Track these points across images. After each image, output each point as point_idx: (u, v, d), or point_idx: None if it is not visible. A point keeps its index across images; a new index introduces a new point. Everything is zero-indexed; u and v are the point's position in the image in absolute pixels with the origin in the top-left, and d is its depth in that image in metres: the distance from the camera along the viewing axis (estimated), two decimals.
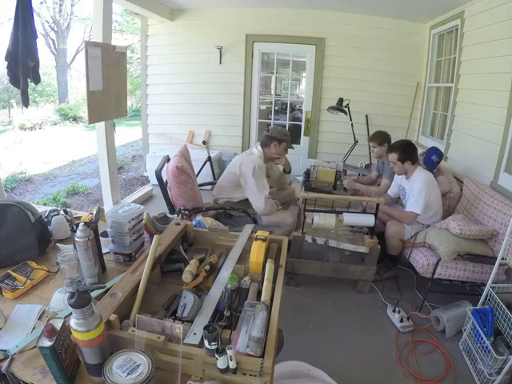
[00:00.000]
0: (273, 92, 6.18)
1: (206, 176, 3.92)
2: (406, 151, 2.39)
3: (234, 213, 2.54)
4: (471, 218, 2.45)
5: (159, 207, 3.13)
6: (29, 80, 2.16)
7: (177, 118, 4.77)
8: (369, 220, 2.28)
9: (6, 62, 2.07)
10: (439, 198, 2.47)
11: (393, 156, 2.41)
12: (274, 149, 2.51)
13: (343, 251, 2.45)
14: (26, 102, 2.21)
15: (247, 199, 2.50)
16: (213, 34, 4.35)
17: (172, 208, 2.41)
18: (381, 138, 3.00)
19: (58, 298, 0.98)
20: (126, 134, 9.22)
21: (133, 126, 10.80)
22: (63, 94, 13.09)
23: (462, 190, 2.76)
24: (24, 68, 2.07)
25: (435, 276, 2.17)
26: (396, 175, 2.60)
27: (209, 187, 3.81)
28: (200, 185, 3.14)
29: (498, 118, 2.62)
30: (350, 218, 2.30)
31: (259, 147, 2.56)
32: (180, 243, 1.25)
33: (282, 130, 2.57)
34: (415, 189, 2.35)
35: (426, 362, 1.89)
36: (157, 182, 2.39)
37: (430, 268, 2.18)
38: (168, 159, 2.51)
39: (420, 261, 2.23)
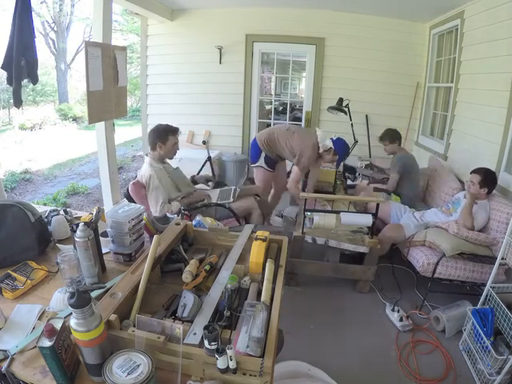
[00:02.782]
0: (273, 92, 6.20)
1: None
2: (491, 181, 2.37)
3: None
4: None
5: None
6: (26, 80, 2.15)
7: (177, 117, 4.74)
8: (367, 220, 2.28)
9: (1, 62, 2.06)
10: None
11: (475, 177, 2.36)
12: (161, 150, 2.36)
13: (343, 251, 2.45)
14: (17, 102, 2.18)
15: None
16: (213, 33, 4.35)
17: None
18: (391, 135, 3.05)
19: (58, 298, 0.98)
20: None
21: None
22: (63, 94, 13.10)
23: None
24: (17, 68, 2.05)
25: (435, 275, 2.17)
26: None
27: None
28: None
29: (498, 117, 2.62)
30: (348, 218, 2.30)
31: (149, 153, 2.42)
32: (180, 243, 1.25)
33: (159, 129, 2.40)
34: (479, 213, 2.33)
35: (426, 362, 1.89)
36: None
37: (430, 267, 2.18)
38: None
39: (420, 260, 2.23)
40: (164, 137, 2.35)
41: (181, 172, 2.60)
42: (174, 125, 2.45)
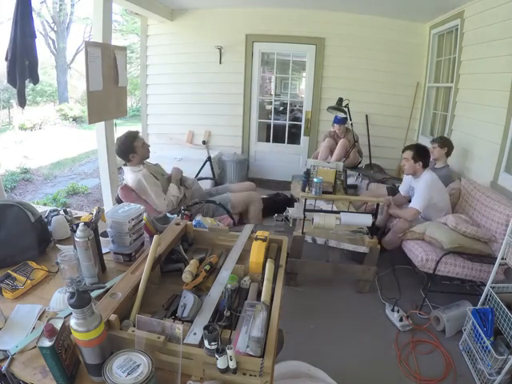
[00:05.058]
0: (273, 92, 6.19)
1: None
2: (421, 153, 2.50)
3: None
4: (469, 221, 2.45)
5: None
6: (27, 80, 2.15)
7: (177, 117, 4.76)
8: (366, 220, 2.28)
9: (6, 62, 2.06)
10: (446, 198, 2.54)
11: (408, 153, 2.52)
12: (135, 158, 2.38)
13: (343, 251, 2.45)
14: (22, 102, 2.20)
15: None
16: (213, 34, 4.35)
17: None
18: (444, 139, 3.04)
19: (58, 298, 0.98)
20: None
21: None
22: (63, 94, 13.09)
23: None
24: (21, 68, 2.05)
25: (434, 272, 2.17)
26: (405, 175, 2.71)
27: (208, 182, 3.78)
28: (200, 179, 3.19)
29: (498, 117, 2.62)
30: (347, 218, 2.30)
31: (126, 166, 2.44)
32: (180, 243, 1.25)
33: (120, 146, 2.41)
34: (419, 187, 2.46)
35: (426, 362, 1.89)
36: None
37: (428, 263, 2.18)
38: None
39: (419, 255, 2.22)
40: (131, 147, 2.37)
41: (160, 166, 2.68)
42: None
